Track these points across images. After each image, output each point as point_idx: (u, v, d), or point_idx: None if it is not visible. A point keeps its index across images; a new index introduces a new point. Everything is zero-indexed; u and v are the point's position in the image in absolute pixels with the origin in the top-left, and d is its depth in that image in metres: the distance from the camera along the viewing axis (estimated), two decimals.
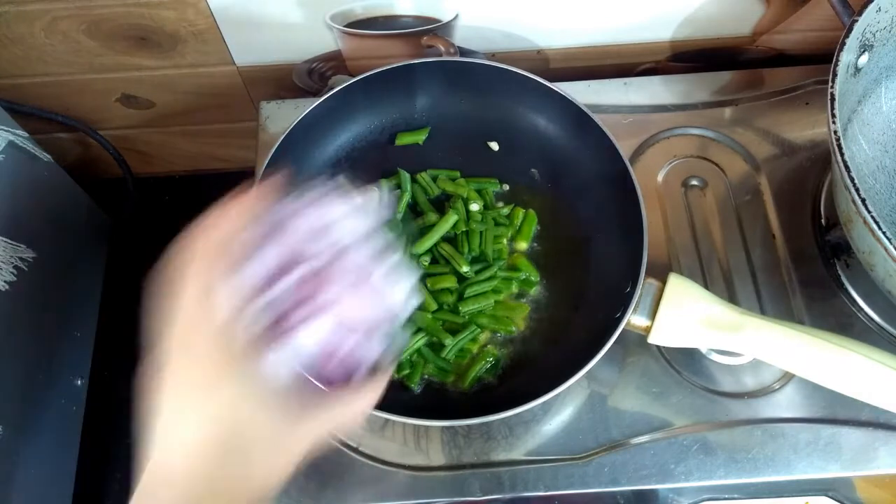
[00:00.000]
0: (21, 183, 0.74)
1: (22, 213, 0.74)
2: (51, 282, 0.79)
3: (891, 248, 0.50)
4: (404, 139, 0.72)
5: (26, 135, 0.75)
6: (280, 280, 0.37)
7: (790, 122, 0.75)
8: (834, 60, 0.56)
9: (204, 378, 0.35)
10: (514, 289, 0.66)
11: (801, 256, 0.68)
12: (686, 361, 0.64)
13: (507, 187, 0.71)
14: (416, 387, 0.62)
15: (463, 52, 0.79)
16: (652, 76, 0.79)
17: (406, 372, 0.61)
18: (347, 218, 0.40)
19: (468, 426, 0.62)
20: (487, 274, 0.65)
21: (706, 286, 0.63)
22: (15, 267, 0.72)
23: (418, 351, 0.62)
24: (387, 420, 0.61)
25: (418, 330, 0.62)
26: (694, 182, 0.73)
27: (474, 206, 0.67)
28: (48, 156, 0.79)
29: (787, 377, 0.63)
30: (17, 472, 0.71)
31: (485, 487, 0.59)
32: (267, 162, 0.63)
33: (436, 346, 0.63)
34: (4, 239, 0.71)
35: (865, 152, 0.67)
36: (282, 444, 0.37)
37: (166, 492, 0.35)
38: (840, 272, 0.67)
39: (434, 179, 0.70)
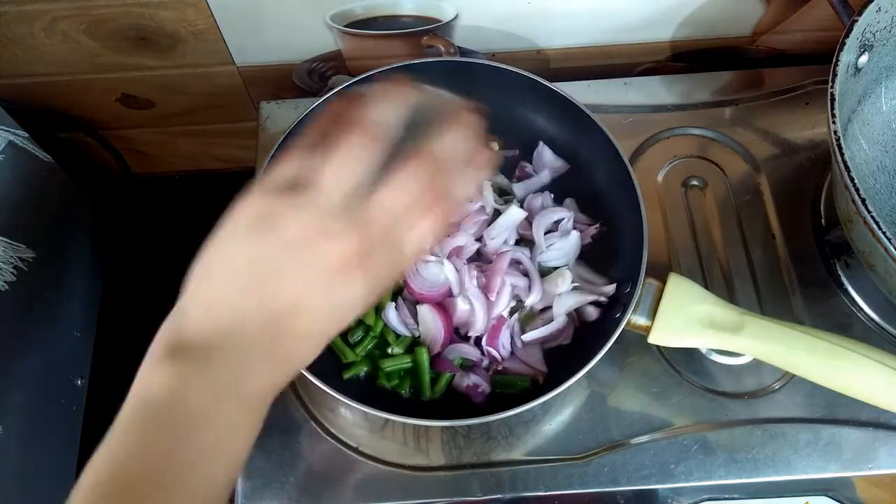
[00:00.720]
0: (21, 183, 0.74)
1: (22, 213, 0.74)
2: (51, 282, 0.79)
3: (891, 248, 0.50)
4: None
5: (26, 135, 0.75)
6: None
7: (790, 122, 0.75)
8: (834, 60, 0.56)
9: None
10: None
11: (800, 256, 0.68)
12: (686, 361, 0.64)
13: None
14: (406, 392, 0.61)
15: (463, 52, 0.79)
16: (652, 76, 0.79)
17: (395, 382, 0.61)
18: None
19: (468, 426, 0.62)
20: None
21: (706, 286, 0.63)
22: (15, 267, 0.72)
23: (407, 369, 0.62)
24: (387, 420, 0.61)
25: (408, 351, 0.62)
26: (694, 182, 0.73)
27: None
28: (48, 156, 0.79)
29: (787, 377, 0.63)
30: (18, 472, 0.71)
31: (485, 487, 0.59)
32: (267, 162, 0.63)
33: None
34: (4, 239, 0.71)
35: (865, 152, 0.67)
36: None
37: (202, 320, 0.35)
38: (840, 272, 0.67)
39: None
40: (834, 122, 0.54)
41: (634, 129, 0.75)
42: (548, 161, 0.69)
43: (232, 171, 0.97)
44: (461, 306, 0.61)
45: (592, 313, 0.62)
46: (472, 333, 0.62)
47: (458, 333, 0.63)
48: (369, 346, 0.62)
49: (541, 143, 0.70)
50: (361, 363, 0.62)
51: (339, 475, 0.60)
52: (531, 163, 0.70)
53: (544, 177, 0.69)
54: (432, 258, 0.62)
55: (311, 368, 0.55)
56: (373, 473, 0.60)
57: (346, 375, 0.61)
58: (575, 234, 0.65)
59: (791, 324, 0.56)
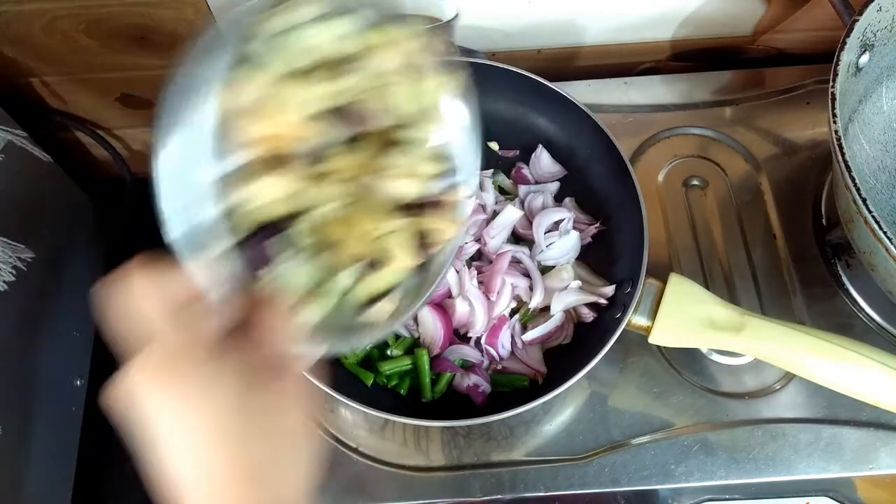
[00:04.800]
0: (21, 183, 0.74)
1: (21, 213, 0.74)
2: (50, 282, 0.79)
3: (892, 248, 0.50)
4: None
5: (26, 135, 0.75)
6: None
7: (791, 122, 0.75)
8: (835, 60, 0.56)
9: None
10: None
11: (801, 256, 0.68)
12: (687, 361, 0.64)
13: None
14: (405, 392, 0.61)
15: (463, 51, 0.79)
16: (652, 76, 0.79)
17: (394, 382, 0.61)
18: None
19: (468, 427, 0.62)
20: None
21: (707, 286, 0.63)
22: (14, 267, 0.72)
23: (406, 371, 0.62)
24: (387, 420, 0.61)
25: (407, 352, 0.62)
26: (695, 182, 0.73)
27: None
28: (48, 156, 0.79)
29: (788, 377, 0.63)
30: (17, 472, 0.71)
31: (485, 488, 0.59)
32: None
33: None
34: (3, 239, 0.70)
35: (866, 152, 0.67)
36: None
37: None
38: (841, 272, 0.67)
39: None
40: (835, 122, 0.54)
41: (635, 129, 0.74)
42: (545, 166, 0.69)
43: None
44: (461, 307, 0.61)
45: (587, 315, 0.62)
46: (473, 334, 0.62)
47: (457, 334, 0.63)
48: (368, 347, 0.62)
49: (539, 147, 0.69)
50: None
51: (340, 475, 0.60)
52: (529, 164, 0.70)
53: (552, 187, 0.69)
54: None
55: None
56: (373, 473, 0.60)
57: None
58: (574, 234, 0.65)
59: (792, 324, 0.56)
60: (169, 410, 0.31)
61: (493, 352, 0.61)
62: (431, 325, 0.61)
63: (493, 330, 0.61)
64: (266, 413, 0.32)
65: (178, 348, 0.32)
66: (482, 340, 0.62)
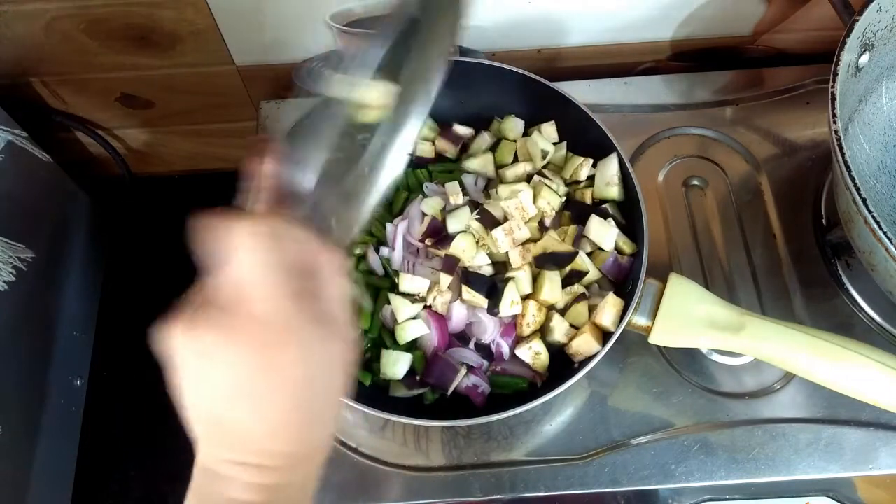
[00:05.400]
0: (21, 183, 0.74)
1: (22, 213, 0.74)
2: (50, 282, 0.79)
3: (892, 248, 0.50)
4: None
5: (26, 135, 0.75)
6: None
7: (791, 122, 0.75)
8: (835, 60, 0.56)
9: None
10: None
11: (801, 256, 0.68)
12: (687, 361, 0.64)
13: None
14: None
15: (463, 51, 0.78)
16: (652, 76, 0.79)
17: None
18: None
19: (468, 427, 0.62)
20: None
21: (707, 286, 0.63)
22: (14, 267, 0.72)
23: None
24: (387, 420, 0.61)
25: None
26: (695, 182, 0.73)
27: None
28: (48, 156, 0.79)
29: (788, 377, 0.63)
30: (17, 472, 0.71)
31: (485, 488, 0.59)
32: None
33: None
34: (4, 239, 0.70)
35: (866, 152, 0.67)
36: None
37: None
38: (841, 272, 0.67)
39: (430, 173, 0.69)
40: (835, 122, 0.54)
41: (635, 129, 0.75)
42: None
43: (231, 170, 0.96)
44: (458, 311, 0.61)
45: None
46: (486, 339, 0.61)
47: (462, 338, 0.62)
48: (368, 346, 0.62)
49: None
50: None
51: (340, 476, 0.60)
52: None
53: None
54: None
55: None
56: (373, 473, 0.60)
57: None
58: None
59: (792, 324, 0.56)
60: (230, 358, 0.32)
61: (503, 347, 0.60)
62: (427, 328, 0.61)
63: (507, 328, 0.61)
64: (323, 367, 0.34)
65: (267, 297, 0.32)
66: (494, 339, 0.61)
